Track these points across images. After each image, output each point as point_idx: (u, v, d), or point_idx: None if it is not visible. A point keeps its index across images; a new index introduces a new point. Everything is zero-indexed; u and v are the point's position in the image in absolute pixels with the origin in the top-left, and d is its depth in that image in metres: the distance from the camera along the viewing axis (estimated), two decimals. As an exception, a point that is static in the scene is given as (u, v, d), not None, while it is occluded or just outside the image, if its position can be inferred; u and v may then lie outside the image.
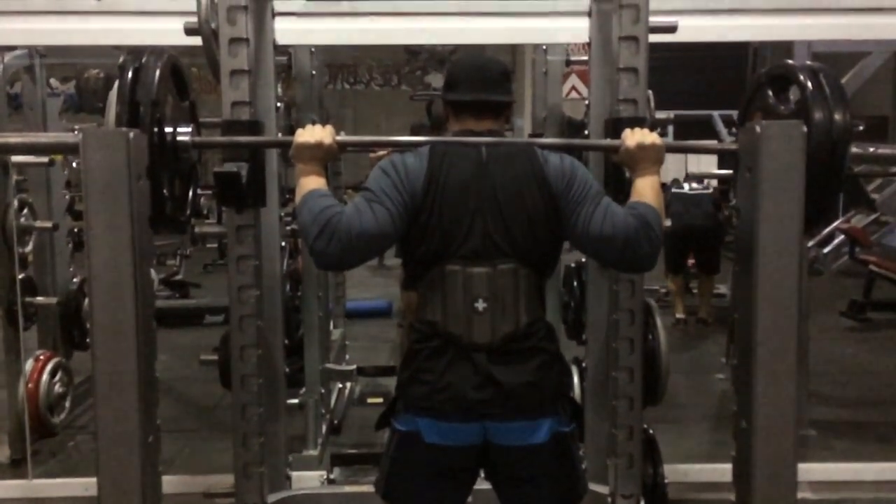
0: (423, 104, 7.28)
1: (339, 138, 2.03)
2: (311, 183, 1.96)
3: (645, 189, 1.97)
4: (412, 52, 17.14)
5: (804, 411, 4.41)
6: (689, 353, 6.33)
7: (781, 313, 1.67)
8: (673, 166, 8.30)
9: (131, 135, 1.53)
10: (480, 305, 1.93)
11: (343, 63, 18.00)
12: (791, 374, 1.66)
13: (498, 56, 2.31)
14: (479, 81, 2.07)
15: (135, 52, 2.18)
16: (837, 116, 1.84)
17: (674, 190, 6.98)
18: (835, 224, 8.45)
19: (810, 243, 7.58)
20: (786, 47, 4.40)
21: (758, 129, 1.61)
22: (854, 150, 1.89)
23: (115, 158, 1.52)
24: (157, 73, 2.05)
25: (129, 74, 2.07)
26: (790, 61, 2.34)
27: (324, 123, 4.57)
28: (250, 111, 2.57)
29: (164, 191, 2.03)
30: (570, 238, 2.01)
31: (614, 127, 2.62)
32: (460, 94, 2.08)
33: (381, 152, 4.58)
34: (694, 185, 6.97)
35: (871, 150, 2.04)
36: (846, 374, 5.72)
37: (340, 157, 3.35)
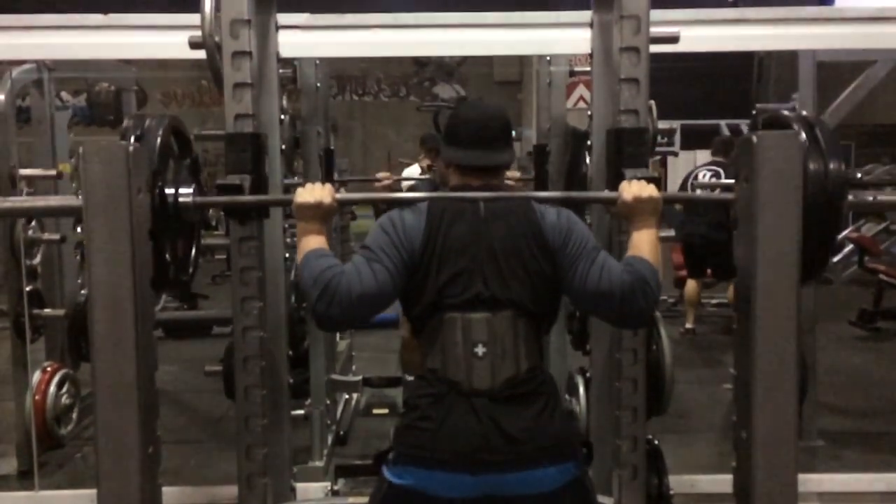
0: (431, 115, 7.33)
1: (338, 196, 2.03)
2: (312, 242, 1.96)
3: (642, 243, 1.97)
4: (420, 63, 17.21)
5: (812, 421, 4.39)
6: (699, 363, 6.30)
7: (782, 320, 1.67)
8: (683, 170, 8.26)
9: (131, 148, 1.55)
10: (480, 350, 1.92)
11: (351, 75, 18.08)
12: (791, 384, 1.65)
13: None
14: (479, 140, 2.08)
15: (138, 117, 2.15)
16: (832, 166, 1.83)
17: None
18: (845, 233, 8.44)
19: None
20: (791, 57, 4.40)
21: (754, 139, 1.61)
22: (851, 198, 1.88)
23: (115, 171, 1.53)
24: (159, 140, 2.02)
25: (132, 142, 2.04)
26: (785, 111, 2.33)
27: (329, 136, 4.59)
28: (253, 124, 2.59)
29: (167, 255, 2.01)
30: (568, 293, 2.02)
31: (616, 137, 2.62)
32: (459, 153, 2.09)
33: (387, 181, 4.58)
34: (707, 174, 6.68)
35: (870, 198, 2.02)
36: (855, 384, 5.68)
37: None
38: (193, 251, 2.29)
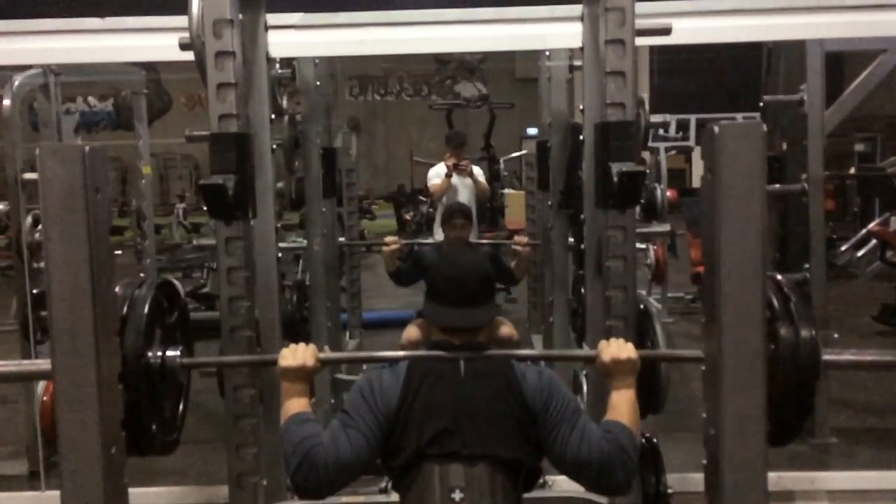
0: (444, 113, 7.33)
1: (321, 356, 2.02)
2: (295, 405, 1.96)
3: (621, 404, 1.95)
4: (441, 61, 17.17)
5: (826, 419, 4.31)
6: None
7: (747, 308, 1.62)
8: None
9: (87, 148, 1.55)
10: (457, 496, 1.90)
11: (373, 75, 18.14)
12: (759, 378, 1.61)
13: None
14: (458, 299, 2.08)
15: (129, 284, 2.07)
16: (804, 333, 1.80)
17: None
18: (869, 226, 8.27)
19: (844, 247, 7.43)
20: (799, 47, 4.31)
21: (716, 129, 1.58)
22: (825, 358, 1.86)
23: (71, 172, 1.53)
24: (145, 314, 1.96)
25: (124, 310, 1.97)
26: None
27: (330, 135, 4.55)
28: (238, 124, 2.59)
29: (154, 425, 1.99)
30: (548, 456, 2.01)
31: (602, 131, 2.59)
32: (439, 312, 2.10)
33: (395, 245, 4.44)
34: None
35: (847, 358, 1.97)
36: (872, 380, 5.55)
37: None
38: (181, 408, 2.26)
